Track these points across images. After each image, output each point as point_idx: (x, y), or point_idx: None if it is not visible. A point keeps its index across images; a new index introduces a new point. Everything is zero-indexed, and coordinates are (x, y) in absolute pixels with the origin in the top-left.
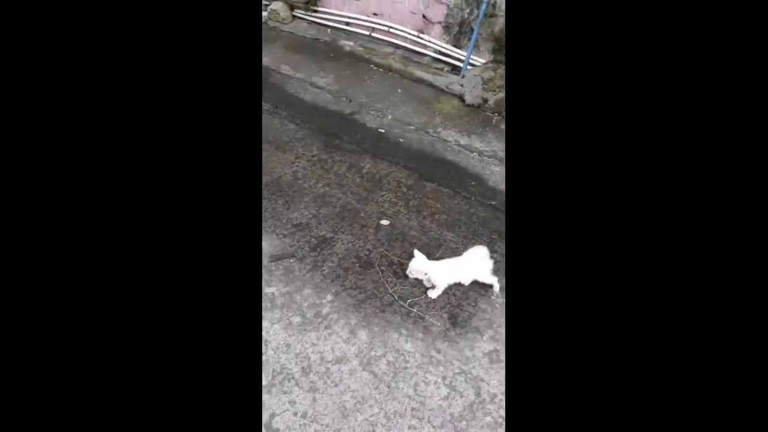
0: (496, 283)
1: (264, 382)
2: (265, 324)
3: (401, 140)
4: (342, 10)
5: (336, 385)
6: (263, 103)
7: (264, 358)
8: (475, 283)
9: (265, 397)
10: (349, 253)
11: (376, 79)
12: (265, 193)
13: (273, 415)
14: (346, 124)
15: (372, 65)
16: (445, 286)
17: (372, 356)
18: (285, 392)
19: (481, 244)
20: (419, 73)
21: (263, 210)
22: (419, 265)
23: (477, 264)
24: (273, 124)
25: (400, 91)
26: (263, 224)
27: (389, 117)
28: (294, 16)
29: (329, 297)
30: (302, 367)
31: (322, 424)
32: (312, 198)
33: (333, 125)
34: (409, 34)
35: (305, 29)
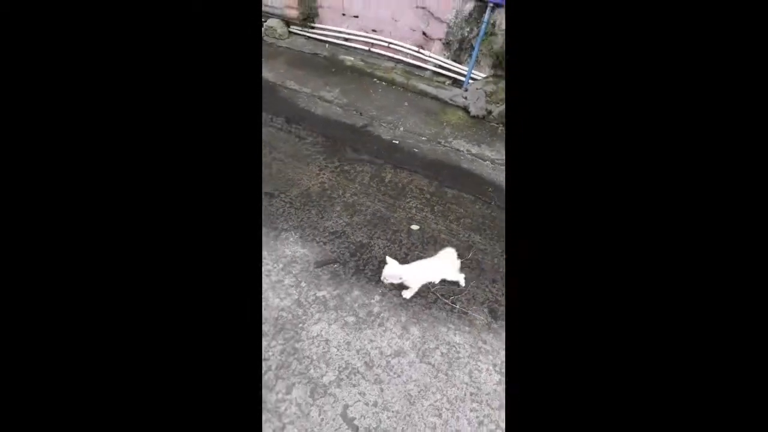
0: (462, 280)
1: (332, 378)
2: (323, 325)
3: (416, 150)
4: (340, 26)
5: (399, 376)
6: (276, 118)
7: (328, 356)
8: (444, 281)
9: (336, 390)
10: (387, 256)
11: (380, 92)
12: (297, 203)
13: (347, 406)
14: (361, 137)
15: (375, 79)
16: (419, 286)
17: (426, 349)
18: (354, 385)
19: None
20: (422, 86)
21: (299, 220)
22: (393, 271)
23: (446, 264)
24: (291, 139)
25: (406, 103)
26: (301, 233)
27: (401, 129)
28: (290, 32)
29: (377, 297)
30: (365, 362)
31: (392, 411)
32: (343, 207)
33: (349, 138)
34: (410, 49)
35: (303, 44)
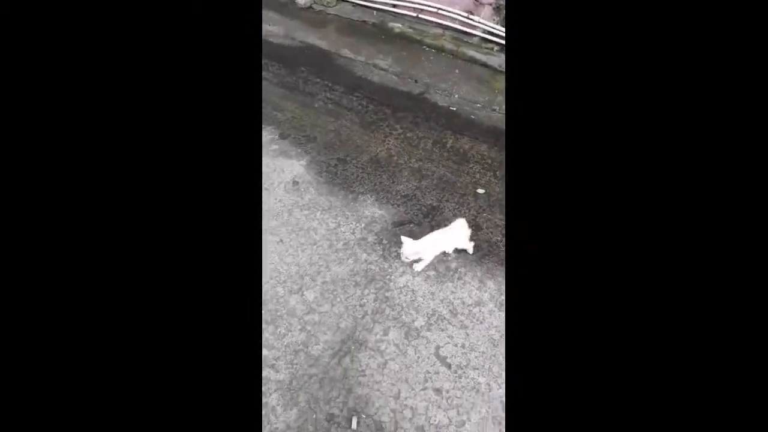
0: (470, 247)
1: (422, 323)
2: (407, 277)
3: (473, 117)
4: None
5: (481, 323)
6: (337, 86)
7: (416, 304)
8: (456, 250)
9: (427, 333)
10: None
11: (432, 59)
12: (368, 169)
13: (438, 347)
14: (419, 104)
15: (425, 46)
16: (432, 257)
17: (503, 300)
18: (442, 329)
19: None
20: (471, 53)
21: (372, 184)
22: (412, 248)
23: (457, 234)
24: (353, 106)
25: (457, 71)
26: (377, 196)
27: (456, 96)
28: (338, 0)
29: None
30: (449, 310)
31: (479, 352)
32: (410, 172)
33: (407, 105)
34: (458, 15)
35: (351, 12)
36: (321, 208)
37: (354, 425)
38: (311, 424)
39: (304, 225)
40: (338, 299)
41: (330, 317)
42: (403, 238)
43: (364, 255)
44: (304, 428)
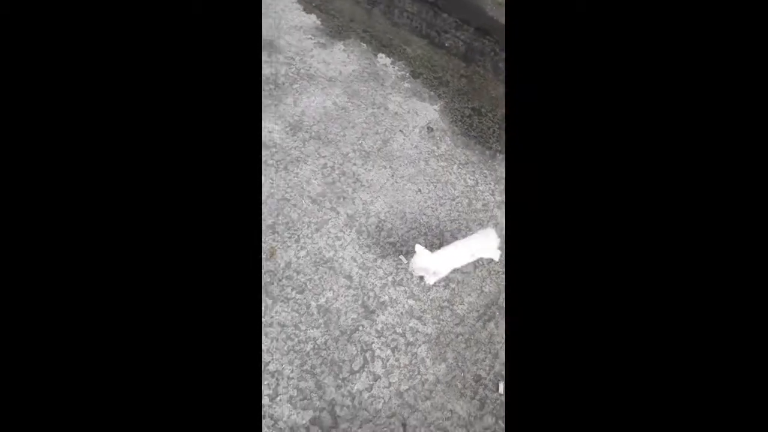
0: (498, 256)
1: None
2: None
3: None
4: None
5: None
6: (467, 26)
7: None
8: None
9: None
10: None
11: None
12: (505, 126)
13: None
14: None
15: None
16: (449, 271)
17: None
18: None
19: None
20: None
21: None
22: (423, 262)
23: (484, 243)
24: (486, 51)
25: None
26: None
27: None
28: None
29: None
30: None
31: None
32: None
33: None
34: None
35: None
36: (458, 161)
37: (501, 390)
38: (459, 381)
39: (441, 177)
40: (480, 261)
41: (473, 279)
42: (418, 248)
43: (504, 221)
44: (452, 384)
